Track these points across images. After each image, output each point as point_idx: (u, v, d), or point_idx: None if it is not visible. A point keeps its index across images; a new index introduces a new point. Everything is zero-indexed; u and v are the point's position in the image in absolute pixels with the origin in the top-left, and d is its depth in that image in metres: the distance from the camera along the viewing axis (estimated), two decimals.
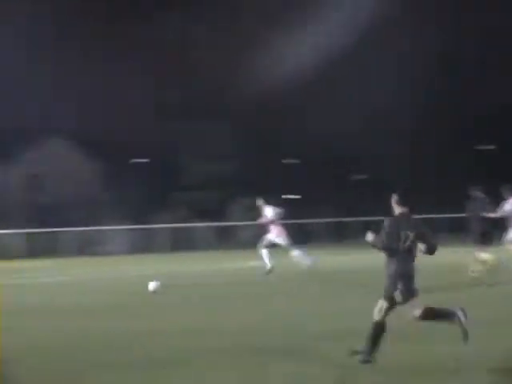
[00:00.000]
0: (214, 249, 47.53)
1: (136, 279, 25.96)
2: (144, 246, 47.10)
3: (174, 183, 63.67)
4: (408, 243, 10.65)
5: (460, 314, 10.62)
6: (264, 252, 25.93)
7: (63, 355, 11.82)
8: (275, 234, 26.34)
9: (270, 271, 25.37)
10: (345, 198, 62.79)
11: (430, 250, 10.84)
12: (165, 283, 21.17)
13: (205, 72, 63.08)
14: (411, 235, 10.68)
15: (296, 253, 26.19)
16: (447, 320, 10.74)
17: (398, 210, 10.90)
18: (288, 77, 59.08)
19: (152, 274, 25.26)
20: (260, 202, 26.97)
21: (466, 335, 10.53)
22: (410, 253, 10.67)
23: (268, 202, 27.02)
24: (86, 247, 46.54)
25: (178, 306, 18.35)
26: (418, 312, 10.58)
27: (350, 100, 64.43)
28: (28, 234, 46.38)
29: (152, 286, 20.48)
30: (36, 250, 44.93)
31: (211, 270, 30.98)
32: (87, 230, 48.06)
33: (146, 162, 67.66)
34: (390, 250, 10.62)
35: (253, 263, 29.66)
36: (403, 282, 10.50)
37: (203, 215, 54.81)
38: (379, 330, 10.47)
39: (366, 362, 10.30)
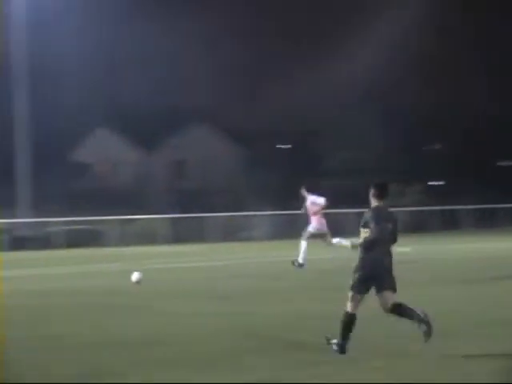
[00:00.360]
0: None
1: (280, 264, 26.11)
2: (286, 231, 47.29)
3: (316, 169, 63.78)
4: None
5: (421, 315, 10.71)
6: (304, 244, 24.71)
7: (224, 338, 11.91)
8: (316, 225, 25.21)
9: (301, 265, 24.27)
10: (490, 184, 61.65)
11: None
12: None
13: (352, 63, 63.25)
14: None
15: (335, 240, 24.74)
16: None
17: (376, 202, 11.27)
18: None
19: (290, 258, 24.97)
20: (303, 190, 25.76)
21: (427, 334, 10.55)
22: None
23: (311, 191, 25.84)
24: (231, 233, 47.06)
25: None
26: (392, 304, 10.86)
27: None
28: (173, 219, 47.30)
29: (135, 276, 19.47)
30: (181, 235, 45.76)
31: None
32: (232, 215, 48.67)
33: (289, 148, 68.08)
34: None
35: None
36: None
37: (346, 202, 54.71)
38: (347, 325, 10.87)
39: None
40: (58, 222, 44.48)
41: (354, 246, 11.20)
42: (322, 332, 10.83)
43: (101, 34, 62.44)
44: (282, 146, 68.01)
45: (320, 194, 25.74)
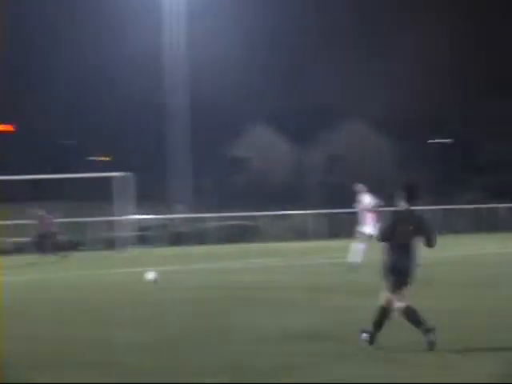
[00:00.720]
0: None
1: (443, 260, 25.84)
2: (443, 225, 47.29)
3: (471, 164, 63.27)
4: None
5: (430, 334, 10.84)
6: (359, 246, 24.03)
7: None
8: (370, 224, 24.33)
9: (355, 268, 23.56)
10: None
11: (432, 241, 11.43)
12: None
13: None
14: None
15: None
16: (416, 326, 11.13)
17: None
18: None
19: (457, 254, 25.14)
20: (359, 187, 24.97)
21: (431, 346, 10.69)
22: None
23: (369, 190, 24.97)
24: None
25: None
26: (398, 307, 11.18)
27: None
28: (327, 214, 47.50)
29: (150, 275, 19.45)
30: (334, 230, 45.97)
31: None
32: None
33: (442, 143, 67.75)
34: None
35: None
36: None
37: (502, 196, 54.07)
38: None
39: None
40: (213, 217, 45.57)
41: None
42: None
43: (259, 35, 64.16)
44: (437, 141, 67.74)
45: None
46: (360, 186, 25.17)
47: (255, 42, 63.97)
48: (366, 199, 24.80)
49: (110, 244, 40.06)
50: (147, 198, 44.69)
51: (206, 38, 57.82)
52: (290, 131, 65.55)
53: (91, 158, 73.19)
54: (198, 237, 44.28)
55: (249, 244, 42.05)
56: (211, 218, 46.09)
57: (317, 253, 32.82)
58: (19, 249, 38.67)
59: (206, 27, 57.20)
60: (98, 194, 44.22)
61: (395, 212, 11.80)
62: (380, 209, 24.67)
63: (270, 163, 66.94)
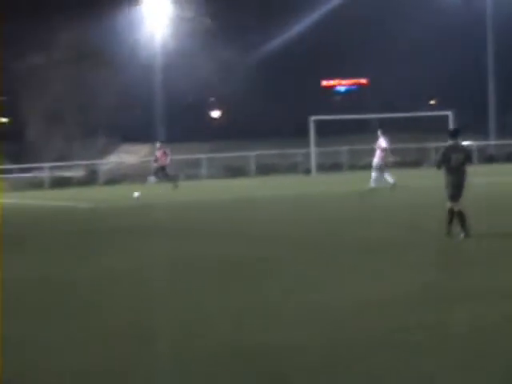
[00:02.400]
0: None
1: None
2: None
3: None
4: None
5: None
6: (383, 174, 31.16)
7: None
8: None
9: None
10: None
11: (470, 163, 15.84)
12: None
13: None
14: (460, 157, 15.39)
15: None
16: (463, 227, 15.20)
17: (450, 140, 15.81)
18: None
19: None
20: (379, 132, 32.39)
21: (458, 239, 14.99)
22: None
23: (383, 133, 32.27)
24: None
25: None
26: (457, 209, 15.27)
27: None
28: None
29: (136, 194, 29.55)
30: None
31: None
32: None
33: None
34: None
35: None
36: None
37: None
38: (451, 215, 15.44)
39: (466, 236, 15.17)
40: None
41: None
42: None
43: None
44: None
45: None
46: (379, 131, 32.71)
47: None
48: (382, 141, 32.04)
49: None
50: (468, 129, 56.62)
51: None
52: None
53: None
54: (506, 157, 52.94)
55: None
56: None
57: None
58: None
59: None
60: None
61: (447, 145, 15.75)
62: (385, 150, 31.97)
63: None
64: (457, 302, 9.61)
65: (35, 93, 68.96)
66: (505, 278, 11.13)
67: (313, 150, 49.54)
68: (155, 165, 40.02)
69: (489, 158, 53.59)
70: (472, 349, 7.43)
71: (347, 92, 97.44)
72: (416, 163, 53.73)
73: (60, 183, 49.48)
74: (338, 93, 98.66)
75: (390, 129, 65.55)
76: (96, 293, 11.35)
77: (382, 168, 31.16)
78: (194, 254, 14.71)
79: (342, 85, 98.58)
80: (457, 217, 15.17)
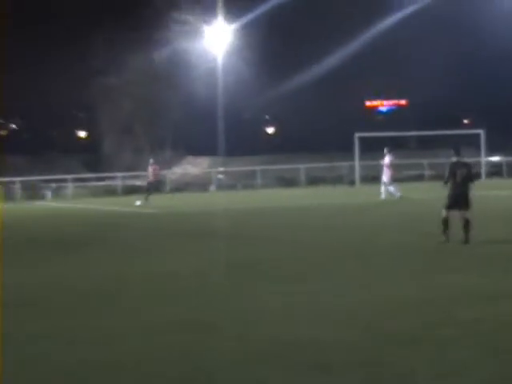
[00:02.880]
0: None
1: None
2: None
3: None
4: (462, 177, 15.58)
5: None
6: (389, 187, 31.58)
7: None
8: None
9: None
10: None
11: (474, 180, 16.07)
12: None
13: None
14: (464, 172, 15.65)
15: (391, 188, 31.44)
16: (467, 233, 15.27)
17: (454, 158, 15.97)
18: None
19: None
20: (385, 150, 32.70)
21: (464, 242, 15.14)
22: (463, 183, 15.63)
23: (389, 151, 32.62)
24: None
25: None
26: (464, 217, 15.41)
27: None
28: None
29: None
30: None
31: None
32: None
33: None
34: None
35: None
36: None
37: None
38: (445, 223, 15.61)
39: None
40: None
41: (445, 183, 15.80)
42: None
43: None
44: None
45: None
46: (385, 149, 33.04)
47: None
48: (387, 158, 32.61)
49: None
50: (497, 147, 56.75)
51: None
52: None
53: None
54: None
55: None
56: None
57: None
58: None
59: None
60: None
61: (452, 162, 15.97)
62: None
63: None
64: (486, 300, 9.58)
65: (110, 110, 69.85)
66: None
67: (357, 163, 49.79)
68: (148, 179, 37.64)
69: None
70: (500, 340, 7.44)
71: (388, 112, 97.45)
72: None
73: (130, 191, 50.01)
74: (381, 112, 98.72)
75: (431, 145, 66.03)
76: (162, 287, 11.53)
77: (389, 182, 31.84)
78: (248, 256, 14.84)
79: (383, 105, 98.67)
80: (465, 224, 15.32)
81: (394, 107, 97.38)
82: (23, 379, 6.85)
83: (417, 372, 6.57)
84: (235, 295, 10.65)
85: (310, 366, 6.87)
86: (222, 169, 57.60)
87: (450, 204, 15.63)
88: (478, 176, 16.54)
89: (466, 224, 15.35)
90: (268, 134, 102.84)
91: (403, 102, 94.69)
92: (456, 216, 15.54)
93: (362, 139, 50.94)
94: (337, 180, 51.54)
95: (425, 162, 55.67)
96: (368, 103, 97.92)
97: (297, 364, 6.93)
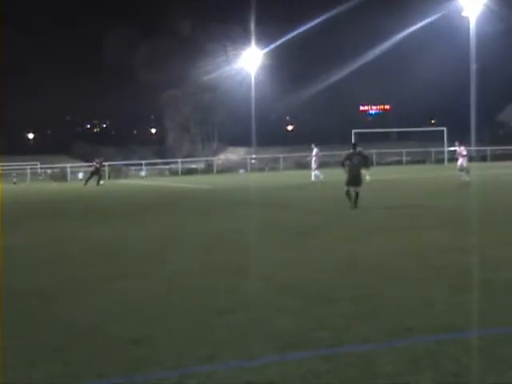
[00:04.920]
0: None
1: None
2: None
3: None
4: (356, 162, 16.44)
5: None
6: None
7: None
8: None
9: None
10: None
11: (368, 166, 16.96)
12: None
13: None
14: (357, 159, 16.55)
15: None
16: (356, 202, 16.04)
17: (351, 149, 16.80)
18: None
19: None
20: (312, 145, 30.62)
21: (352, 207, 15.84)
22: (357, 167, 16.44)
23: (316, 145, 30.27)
24: None
25: None
26: (355, 191, 16.19)
27: None
28: None
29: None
30: None
31: None
32: None
33: None
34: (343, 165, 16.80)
35: None
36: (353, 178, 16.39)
37: None
38: (348, 194, 16.39)
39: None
40: None
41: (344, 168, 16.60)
42: None
43: None
44: None
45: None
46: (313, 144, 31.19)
47: None
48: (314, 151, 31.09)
49: None
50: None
51: None
52: None
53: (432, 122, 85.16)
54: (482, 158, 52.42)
55: None
56: None
57: None
58: None
59: None
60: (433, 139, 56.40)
61: (350, 152, 16.81)
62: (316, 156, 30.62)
63: None
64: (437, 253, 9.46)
65: (172, 113, 70.07)
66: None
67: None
68: (92, 169, 37.98)
69: (469, 158, 52.36)
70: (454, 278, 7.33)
71: (376, 114, 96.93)
72: (423, 161, 53.40)
73: (188, 172, 50.14)
74: (370, 115, 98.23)
75: (406, 138, 65.83)
76: (213, 241, 11.51)
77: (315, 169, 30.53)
78: (272, 219, 14.78)
79: (372, 109, 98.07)
80: (355, 196, 16.12)
81: (380, 111, 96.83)
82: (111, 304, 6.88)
83: (399, 306, 6.49)
84: (263, 248, 10.59)
85: (320, 298, 6.82)
86: (254, 156, 57.52)
87: (348, 182, 16.39)
88: (368, 163, 17.65)
89: (356, 196, 16.15)
90: (288, 130, 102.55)
91: (387, 106, 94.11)
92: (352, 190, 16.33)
93: (357, 134, 50.83)
94: (338, 164, 50.99)
95: (403, 150, 55.32)
96: (361, 107, 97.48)
97: (309, 297, 6.88)
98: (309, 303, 6.62)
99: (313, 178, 30.39)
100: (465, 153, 28.07)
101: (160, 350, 5.27)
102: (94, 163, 38.32)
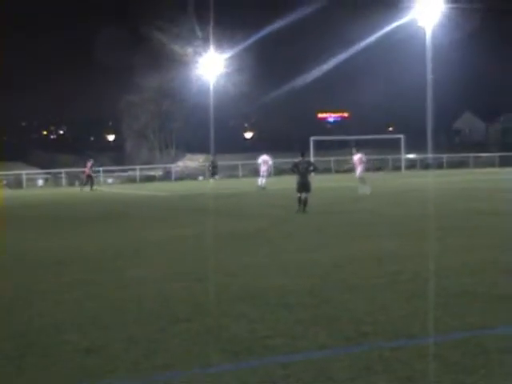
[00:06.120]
0: None
1: None
2: None
3: None
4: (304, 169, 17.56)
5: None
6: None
7: None
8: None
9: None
10: None
11: (316, 171, 18.73)
12: None
13: None
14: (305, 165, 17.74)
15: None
16: (305, 207, 16.99)
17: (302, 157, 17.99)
18: None
19: None
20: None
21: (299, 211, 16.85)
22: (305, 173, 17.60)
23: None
24: None
25: None
26: (304, 196, 17.21)
27: None
28: None
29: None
30: None
31: None
32: None
33: None
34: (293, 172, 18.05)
35: None
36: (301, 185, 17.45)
37: None
38: (299, 200, 17.35)
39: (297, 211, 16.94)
40: None
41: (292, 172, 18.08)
42: None
43: None
44: None
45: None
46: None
47: None
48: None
49: None
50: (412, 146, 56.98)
51: None
52: None
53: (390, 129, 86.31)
54: (439, 165, 54.05)
55: None
56: None
57: None
58: None
59: None
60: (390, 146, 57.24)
61: (298, 161, 17.90)
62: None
63: None
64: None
65: (130, 119, 69.58)
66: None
67: (312, 159, 49.89)
68: (85, 175, 38.71)
69: (426, 166, 53.38)
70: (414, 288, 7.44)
71: (335, 122, 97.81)
72: (379, 169, 53.99)
73: (146, 179, 49.79)
74: (329, 122, 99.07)
75: (364, 146, 66.65)
76: (170, 249, 11.44)
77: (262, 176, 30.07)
78: (231, 226, 14.78)
79: (331, 117, 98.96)
80: (304, 201, 17.17)
81: (338, 118, 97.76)
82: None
83: (352, 310, 6.57)
84: (220, 255, 10.59)
85: (277, 304, 6.85)
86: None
87: (298, 188, 17.50)
88: (315, 169, 18.63)
89: (305, 201, 17.22)
90: (246, 138, 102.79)
91: (346, 114, 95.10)
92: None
93: (315, 141, 51.30)
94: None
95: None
96: (319, 115, 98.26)
97: (266, 303, 6.91)
98: (265, 309, 6.65)
99: (259, 184, 30.19)
100: (364, 159, 25.25)
101: (115, 359, 5.23)
102: (85, 168, 38.70)
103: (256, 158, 34.76)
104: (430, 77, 55.27)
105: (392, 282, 7.84)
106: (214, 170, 39.62)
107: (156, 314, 6.62)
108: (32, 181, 49.36)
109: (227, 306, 6.88)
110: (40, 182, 47.61)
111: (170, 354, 5.30)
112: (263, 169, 30.82)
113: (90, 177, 38.26)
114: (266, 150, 32.88)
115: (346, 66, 73.41)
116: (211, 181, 40.31)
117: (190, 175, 53.69)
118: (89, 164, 38.89)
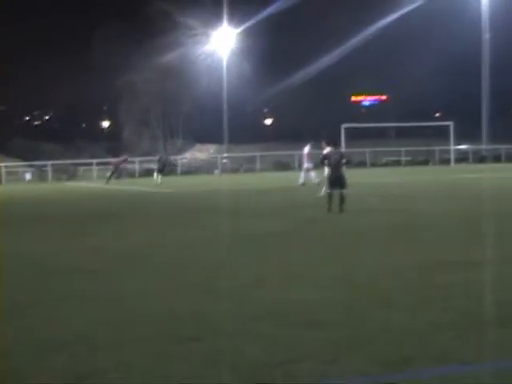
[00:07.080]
0: None
1: None
2: None
3: None
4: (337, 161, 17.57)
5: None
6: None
7: None
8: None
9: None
10: None
11: (348, 164, 18.90)
12: None
13: None
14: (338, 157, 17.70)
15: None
16: (342, 205, 16.98)
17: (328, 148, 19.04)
18: None
19: None
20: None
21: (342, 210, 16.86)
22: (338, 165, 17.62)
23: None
24: None
25: None
26: (339, 193, 17.15)
27: None
28: None
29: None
30: None
31: None
32: None
33: None
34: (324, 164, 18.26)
35: None
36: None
37: None
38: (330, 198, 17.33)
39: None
40: None
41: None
42: None
43: None
44: None
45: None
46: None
47: None
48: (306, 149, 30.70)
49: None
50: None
51: None
52: None
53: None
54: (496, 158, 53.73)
55: None
56: None
57: None
58: None
59: None
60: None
61: (329, 151, 18.56)
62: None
63: None
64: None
65: (129, 102, 69.80)
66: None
67: (343, 150, 49.80)
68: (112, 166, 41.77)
69: (480, 159, 53.20)
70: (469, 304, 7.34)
71: (371, 106, 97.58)
72: (425, 162, 53.65)
73: (147, 173, 50.02)
74: (364, 106, 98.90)
75: (406, 135, 66.33)
76: (174, 255, 11.45)
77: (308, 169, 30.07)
78: (246, 228, 14.76)
79: (366, 100, 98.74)
80: (340, 198, 17.05)
81: (375, 101, 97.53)
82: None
83: (392, 330, 6.48)
84: (234, 263, 10.55)
85: (302, 322, 6.78)
86: (226, 155, 57.57)
87: (330, 184, 17.51)
88: (348, 162, 18.84)
89: (342, 198, 17.11)
90: (266, 124, 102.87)
91: (384, 97, 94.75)
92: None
93: (347, 129, 50.95)
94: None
95: (402, 149, 55.73)
96: (353, 98, 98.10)
97: (288, 321, 6.85)
98: (288, 328, 6.60)
99: (301, 180, 30.07)
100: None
101: None
102: (119, 159, 42.29)
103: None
104: (486, 37, 54.33)
105: (441, 296, 7.76)
106: (162, 168, 39.39)
107: (157, 333, 6.59)
108: (13, 174, 49.79)
109: (243, 323, 6.84)
110: (28, 176, 48.09)
111: (171, 381, 5.25)
112: (308, 162, 30.52)
113: (117, 168, 41.40)
114: (306, 140, 32.59)
115: (383, 40, 73.13)
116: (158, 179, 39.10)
117: (200, 169, 53.88)
118: (121, 158, 42.40)
